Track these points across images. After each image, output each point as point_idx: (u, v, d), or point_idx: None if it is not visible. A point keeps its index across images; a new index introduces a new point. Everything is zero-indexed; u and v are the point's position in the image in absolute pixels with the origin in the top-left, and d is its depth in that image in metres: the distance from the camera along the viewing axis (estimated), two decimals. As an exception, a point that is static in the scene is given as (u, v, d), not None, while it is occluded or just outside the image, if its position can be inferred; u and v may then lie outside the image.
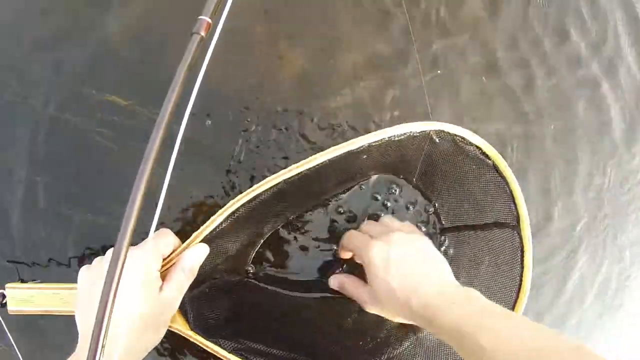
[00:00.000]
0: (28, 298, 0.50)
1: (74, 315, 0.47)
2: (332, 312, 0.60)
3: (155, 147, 0.37)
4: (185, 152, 0.58)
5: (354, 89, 0.64)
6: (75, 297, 0.47)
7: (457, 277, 0.60)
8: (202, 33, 0.38)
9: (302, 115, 0.62)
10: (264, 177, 0.59)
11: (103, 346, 0.30)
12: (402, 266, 0.48)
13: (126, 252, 0.30)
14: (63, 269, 0.58)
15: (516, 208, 0.58)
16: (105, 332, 0.31)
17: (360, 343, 0.58)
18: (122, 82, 0.60)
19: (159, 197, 0.37)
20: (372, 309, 0.53)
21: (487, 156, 0.57)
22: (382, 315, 0.54)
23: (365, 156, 0.54)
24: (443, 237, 0.63)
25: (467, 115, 0.66)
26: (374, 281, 0.49)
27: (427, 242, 0.53)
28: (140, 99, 0.59)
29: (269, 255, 0.60)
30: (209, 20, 0.39)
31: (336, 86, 0.63)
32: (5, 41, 0.59)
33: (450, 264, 0.62)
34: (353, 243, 0.55)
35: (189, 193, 0.60)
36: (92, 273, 0.46)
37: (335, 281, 0.58)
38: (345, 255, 0.59)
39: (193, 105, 0.37)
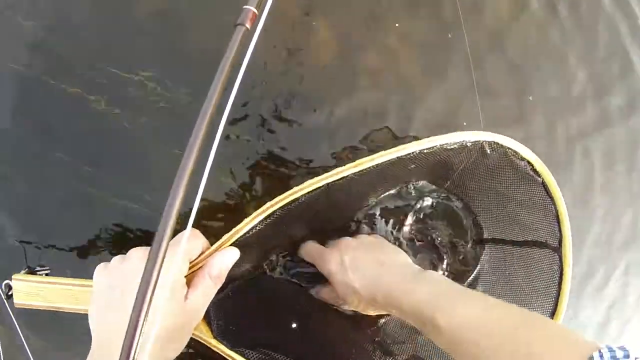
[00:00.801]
0: (37, 292, 0.44)
1: (85, 314, 0.42)
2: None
3: (195, 149, 0.32)
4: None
5: (390, 82, 0.57)
6: (89, 297, 0.41)
7: (487, 290, 0.56)
8: (247, 25, 0.33)
9: (334, 107, 0.56)
10: (295, 176, 0.54)
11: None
12: (357, 267, 0.48)
13: (158, 274, 0.28)
14: (76, 255, 0.52)
15: (560, 229, 0.53)
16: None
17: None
18: (144, 59, 0.52)
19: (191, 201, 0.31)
20: (347, 307, 0.53)
21: (537, 173, 0.52)
22: (358, 310, 0.53)
23: (413, 165, 0.48)
24: (479, 248, 0.58)
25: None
26: (338, 287, 0.49)
27: (377, 238, 0.54)
28: (161, 77, 0.52)
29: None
30: (255, 11, 0.33)
31: (371, 78, 0.57)
32: (26, 18, 0.51)
33: (483, 276, 0.58)
34: (310, 255, 0.53)
35: (220, 191, 0.53)
36: (112, 275, 0.40)
37: (318, 292, 0.55)
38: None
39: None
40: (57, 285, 0.44)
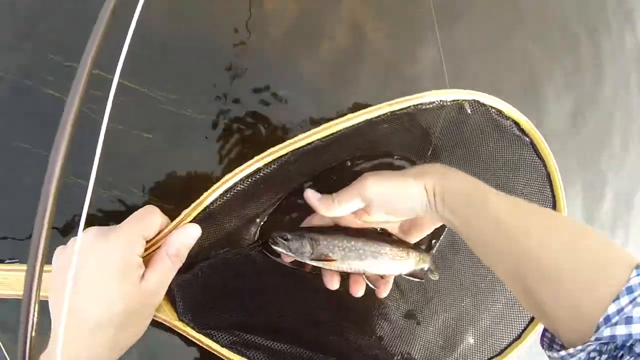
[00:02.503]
0: (1, 280, 0.39)
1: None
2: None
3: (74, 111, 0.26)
4: (168, 122, 0.47)
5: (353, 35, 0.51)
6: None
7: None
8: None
9: (293, 71, 0.50)
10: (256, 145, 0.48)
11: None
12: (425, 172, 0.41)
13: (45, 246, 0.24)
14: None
15: (553, 192, 0.46)
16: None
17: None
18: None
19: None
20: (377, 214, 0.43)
21: (524, 133, 0.45)
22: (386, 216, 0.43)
23: (386, 125, 0.42)
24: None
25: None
26: (383, 184, 0.40)
27: None
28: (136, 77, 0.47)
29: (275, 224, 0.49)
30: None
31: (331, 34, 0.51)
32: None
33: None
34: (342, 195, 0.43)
35: (178, 166, 0.48)
36: (68, 256, 0.35)
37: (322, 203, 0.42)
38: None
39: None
40: (21, 273, 0.39)
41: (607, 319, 0.30)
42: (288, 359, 0.41)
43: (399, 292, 0.49)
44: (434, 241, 0.50)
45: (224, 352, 0.39)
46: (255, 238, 0.47)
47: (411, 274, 0.46)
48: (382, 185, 0.40)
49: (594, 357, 0.32)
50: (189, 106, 0.48)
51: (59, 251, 0.37)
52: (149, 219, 0.37)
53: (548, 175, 0.46)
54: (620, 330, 0.29)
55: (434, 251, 0.51)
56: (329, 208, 0.41)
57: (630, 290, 0.30)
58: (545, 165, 0.45)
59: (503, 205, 0.36)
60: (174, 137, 0.48)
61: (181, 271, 0.39)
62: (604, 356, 0.31)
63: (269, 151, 0.39)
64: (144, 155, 0.48)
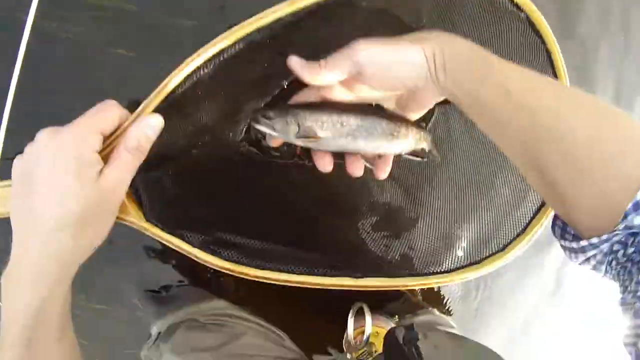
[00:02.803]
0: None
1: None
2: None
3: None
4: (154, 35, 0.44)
5: None
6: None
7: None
8: None
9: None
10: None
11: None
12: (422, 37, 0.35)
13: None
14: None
15: (554, 73, 0.42)
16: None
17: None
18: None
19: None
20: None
21: (519, 8, 0.40)
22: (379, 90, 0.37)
23: (364, 3, 0.38)
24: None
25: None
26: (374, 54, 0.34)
27: None
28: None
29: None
30: None
31: None
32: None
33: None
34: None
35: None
36: (22, 162, 0.33)
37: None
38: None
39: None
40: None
41: (637, 206, 0.25)
42: (266, 256, 0.37)
43: (392, 179, 0.43)
44: (422, 123, 0.44)
45: (196, 252, 0.36)
46: (242, 137, 0.41)
47: (412, 153, 0.40)
48: (375, 50, 0.34)
49: (618, 250, 0.28)
50: (178, 17, 0.44)
51: (17, 159, 0.34)
52: (105, 112, 0.34)
53: (549, 55, 0.41)
54: None
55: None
56: (315, 74, 0.34)
57: None
58: (544, 43, 0.41)
59: (513, 73, 0.31)
60: (157, 50, 0.45)
61: (148, 169, 0.35)
62: (630, 249, 0.27)
63: (232, 29, 0.35)
64: (121, 71, 0.45)
